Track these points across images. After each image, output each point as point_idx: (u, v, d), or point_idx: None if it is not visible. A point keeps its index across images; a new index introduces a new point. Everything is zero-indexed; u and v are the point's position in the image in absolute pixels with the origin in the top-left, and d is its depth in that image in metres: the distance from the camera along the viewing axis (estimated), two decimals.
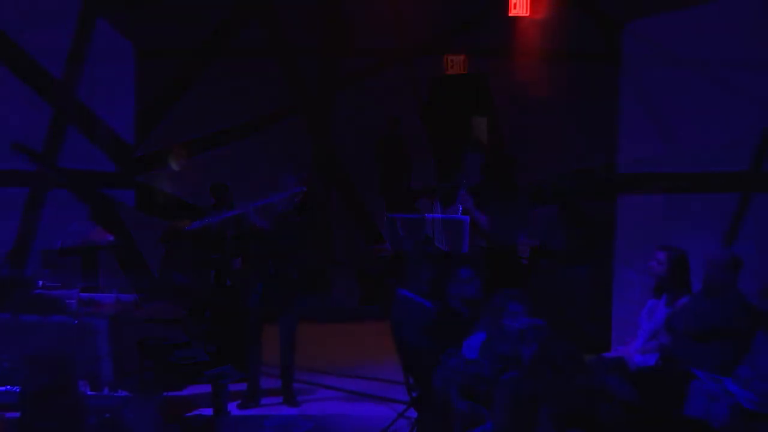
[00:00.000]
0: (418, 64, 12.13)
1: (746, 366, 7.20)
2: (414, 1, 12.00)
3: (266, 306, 9.00)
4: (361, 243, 11.55)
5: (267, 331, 9.12)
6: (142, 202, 9.92)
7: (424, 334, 8.05)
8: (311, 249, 9.21)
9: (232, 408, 8.79)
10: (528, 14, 11.08)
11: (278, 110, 11.61)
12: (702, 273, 7.78)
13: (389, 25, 11.96)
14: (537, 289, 8.43)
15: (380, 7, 11.86)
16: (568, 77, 10.66)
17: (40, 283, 7.82)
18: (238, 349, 8.76)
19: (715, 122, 9.30)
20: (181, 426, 8.33)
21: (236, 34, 11.39)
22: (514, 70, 11.56)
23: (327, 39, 11.83)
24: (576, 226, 9.66)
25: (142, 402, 7.29)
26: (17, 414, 5.72)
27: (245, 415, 8.85)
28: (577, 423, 5.10)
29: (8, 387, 6.90)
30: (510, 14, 11.20)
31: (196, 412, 8.57)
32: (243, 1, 11.36)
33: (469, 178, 9.32)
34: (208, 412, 8.50)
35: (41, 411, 5.30)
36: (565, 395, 5.56)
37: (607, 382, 6.05)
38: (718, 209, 9.28)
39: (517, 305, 7.44)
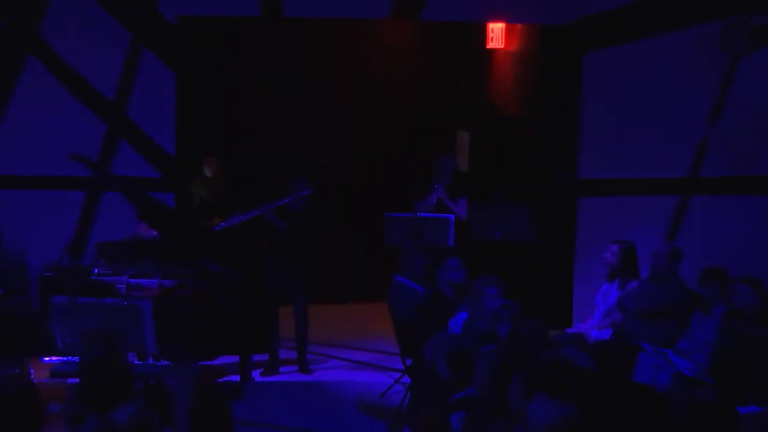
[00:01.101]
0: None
1: (685, 340, 7.21)
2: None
3: (282, 290, 9.01)
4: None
5: (284, 311, 9.14)
6: (181, 204, 9.92)
7: (416, 313, 8.05)
8: (317, 242, 9.23)
9: (256, 375, 8.81)
10: (503, 46, 11.07)
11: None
12: (648, 262, 7.80)
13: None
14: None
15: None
16: (537, 99, 10.66)
17: (96, 270, 7.78)
18: (261, 326, 8.75)
19: (660, 136, 9.31)
20: (213, 390, 8.34)
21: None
22: (491, 94, 11.58)
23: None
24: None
25: (180, 369, 7.28)
26: (77, 380, 5.72)
27: (266, 381, 8.87)
28: (544, 388, 5.09)
29: (69, 358, 6.89)
30: (487, 47, 11.20)
31: (225, 378, 8.59)
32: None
33: (444, 178, 9.34)
34: (236, 378, 8.51)
35: (96, 378, 5.30)
36: (533, 365, 5.56)
37: (569, 353, 6.05)
38: (662, 209, 9.28)
39: (494, 289, 7.44)
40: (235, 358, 8.50)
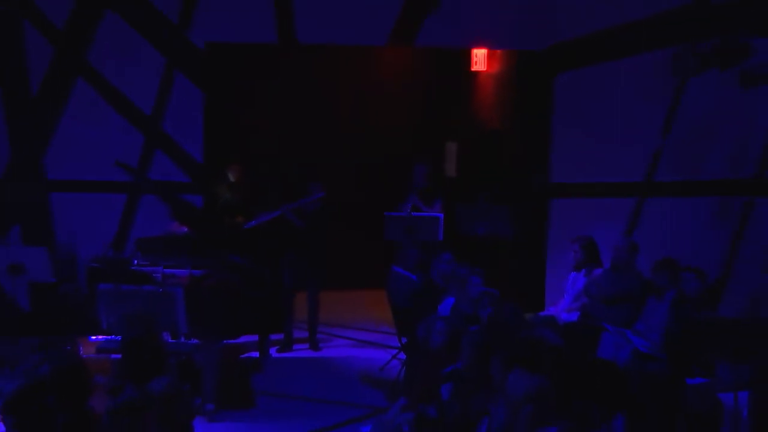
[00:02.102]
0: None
1: (641, 322, 7.23)
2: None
3: (298, 279, 9.02)
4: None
5: (298, 297, 9.15)
6: (208, 205, 9.92)
7: (410, 299, 8.07)
8: (328, 239, 9.23)
9: (273, 352, 8.82)
10: (486, 69, 11.08)
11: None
12: (610, 255, 7.81)
13: None
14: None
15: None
16: (515, 114, 10.67)
17: (135, 262, 7.82)
18: (278, 310, 8.77)
19: (620, 145, 9.32)
20: (236, 364, 8.36)
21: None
22: (475, 110, 11.58)
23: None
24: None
25: (208, 347, 7.29)
26: (119, 356, 5.74)
27: (282, 357, 8.88)
28: (520, 363, 5.10)
29: (113, 336, 6.91)
30: (472, 69, 11.21)
31: (247, 354, 8.61)
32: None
33: (418, 184, 9.35)
34: (256, 354, 8.53)
35: (136, 354, 5.31)
36: (511, 343, 5.57)
37: (542, 333, 6.06)
38: (622, 209, 9.29)
39: (477, 277, 7.45)
40: (255, 337, 8.51)
